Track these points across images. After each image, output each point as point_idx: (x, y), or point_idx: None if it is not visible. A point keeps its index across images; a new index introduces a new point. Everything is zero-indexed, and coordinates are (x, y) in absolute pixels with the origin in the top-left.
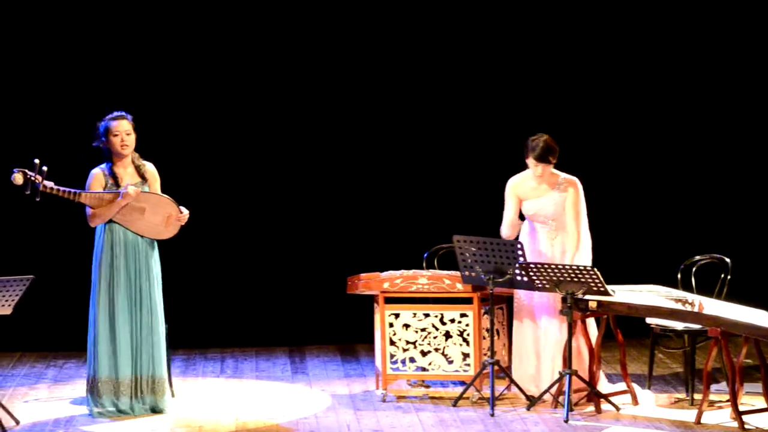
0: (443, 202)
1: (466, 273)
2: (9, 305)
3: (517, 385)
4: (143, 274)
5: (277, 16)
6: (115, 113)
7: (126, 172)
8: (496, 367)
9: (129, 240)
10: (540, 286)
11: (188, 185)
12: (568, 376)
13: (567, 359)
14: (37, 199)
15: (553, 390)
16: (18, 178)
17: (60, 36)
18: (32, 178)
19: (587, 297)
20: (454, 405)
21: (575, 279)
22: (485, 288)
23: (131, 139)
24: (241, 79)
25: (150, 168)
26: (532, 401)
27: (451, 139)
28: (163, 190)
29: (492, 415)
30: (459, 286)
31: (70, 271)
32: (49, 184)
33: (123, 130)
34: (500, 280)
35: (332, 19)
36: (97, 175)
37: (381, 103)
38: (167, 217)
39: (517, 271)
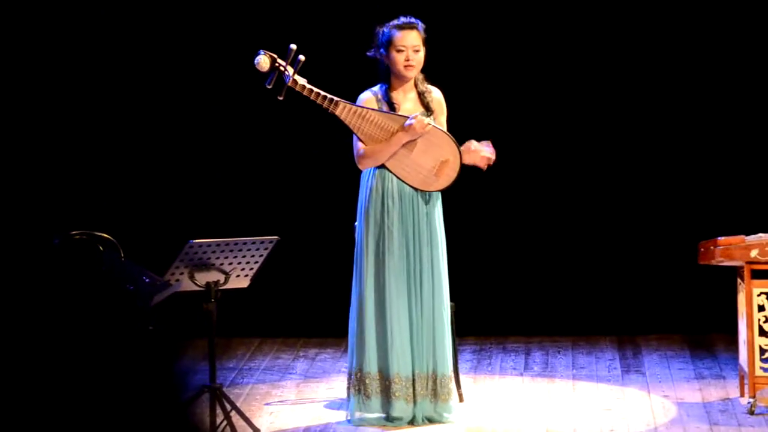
0: None
1: None
2: (247, 276)
3: None
4: (425, 238)
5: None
6: (403, 19)
7: (406, 98)
8: None
9: (406, 191)
10: None
11: (488, 126)
12: None
13: None
14: (280, 98)
15: None
16: (263, 62)
17: None
18: (281, 68)
19: None
20: None
21: None
22: None
23: (419, 57)
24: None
25: (437, 95)
26: None
27: None
28: (450, 128)
29: None
30: None
31: (322, 232)
32: (302, 80)
33: (410, 45)
34: None
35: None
36: (368, 99)
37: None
38: (442, 162)
39: None
